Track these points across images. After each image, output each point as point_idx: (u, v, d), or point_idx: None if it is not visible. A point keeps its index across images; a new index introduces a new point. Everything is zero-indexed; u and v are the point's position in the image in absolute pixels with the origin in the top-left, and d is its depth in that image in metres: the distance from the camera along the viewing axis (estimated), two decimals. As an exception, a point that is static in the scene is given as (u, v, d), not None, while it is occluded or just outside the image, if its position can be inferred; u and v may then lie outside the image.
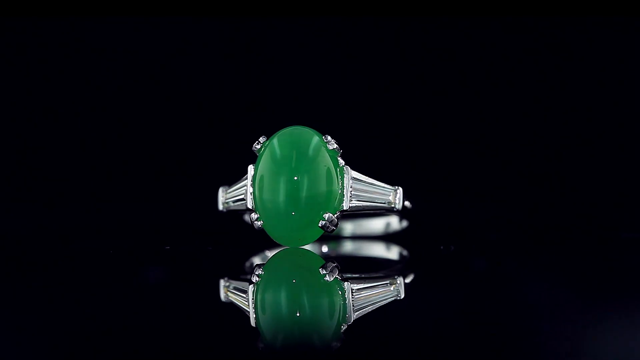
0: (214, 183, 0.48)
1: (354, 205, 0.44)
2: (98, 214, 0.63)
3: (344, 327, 0.32)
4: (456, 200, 0.65)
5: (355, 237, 0.54)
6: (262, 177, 0.44)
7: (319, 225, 0.43)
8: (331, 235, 0.49)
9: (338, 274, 0.41)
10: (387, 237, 0.53)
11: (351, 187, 0.44)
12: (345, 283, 0.39)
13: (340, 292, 0.37)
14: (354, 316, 0.33)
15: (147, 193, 0.64)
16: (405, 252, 0.51)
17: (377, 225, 0.54)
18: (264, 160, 0.44)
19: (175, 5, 0.61)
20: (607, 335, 0.31)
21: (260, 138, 0.45)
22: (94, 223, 0.61)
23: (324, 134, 0.45)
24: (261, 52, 0.64)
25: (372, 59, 0.64)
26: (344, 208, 0.44)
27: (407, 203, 0.48)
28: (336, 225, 0.44)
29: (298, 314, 0.34)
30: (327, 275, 0.41)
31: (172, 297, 0.38)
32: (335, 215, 0.44)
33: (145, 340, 0.30)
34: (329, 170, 0.44)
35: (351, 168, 0.44)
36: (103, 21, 0.62)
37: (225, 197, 0.47)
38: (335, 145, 0.44)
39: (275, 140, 0.45)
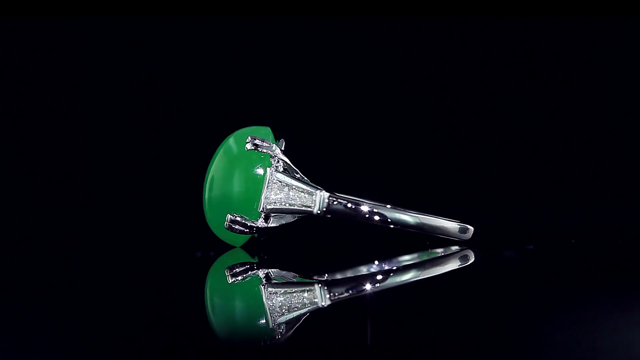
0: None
1: (271, 207, 0.45)
2: (92, 212, 0.63)
3: (276, 329, 0.32)
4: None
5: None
6: (212, 177, 0.46)
7: (224, 226, 0.45)
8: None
9: (263, 279, 0.40)
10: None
11: (266, 189, 0.45)
12: (261, 287, 0.39)
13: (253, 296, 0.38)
14: (274, 320, 0.33)
15: (142, 192, 0.64)
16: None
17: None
18: (218, 160, 0.46)
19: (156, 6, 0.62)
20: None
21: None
22: (86, 222, 0.62)
23: (279, 136, 0.47)
24: (240, 52, 0.63)
25: (370, 58, 0.63)
26: (259, 209, 0.45)
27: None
28: (250, 228, 0.45)
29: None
30: (230, 277, 0.41)
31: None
32: (258, 221, 0.45)
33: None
34: (256, 172, 0.45)
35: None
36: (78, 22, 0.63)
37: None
38: (265, 150, 0.45)
39: (231, 139, 0.47)
